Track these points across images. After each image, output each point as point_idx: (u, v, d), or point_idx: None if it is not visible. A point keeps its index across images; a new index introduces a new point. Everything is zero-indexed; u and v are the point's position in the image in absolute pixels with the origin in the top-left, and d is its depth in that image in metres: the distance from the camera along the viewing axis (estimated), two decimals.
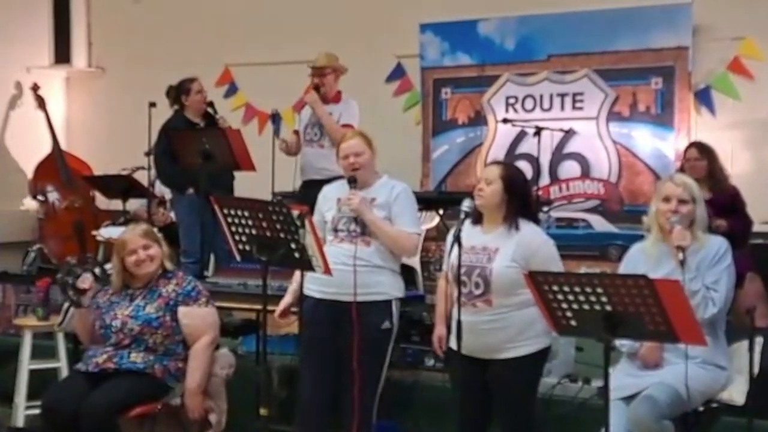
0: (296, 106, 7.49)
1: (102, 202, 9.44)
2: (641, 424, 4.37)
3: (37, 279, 7.34)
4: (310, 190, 6.42)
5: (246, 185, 7.56)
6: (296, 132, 7.49)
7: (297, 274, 5.17)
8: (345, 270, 4.94)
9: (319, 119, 7.20)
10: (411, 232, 5.21)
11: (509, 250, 4.58)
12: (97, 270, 5.35)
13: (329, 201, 5.23)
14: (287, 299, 5.29)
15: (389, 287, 5.18)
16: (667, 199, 4.64)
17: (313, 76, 7.39)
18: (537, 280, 3.94)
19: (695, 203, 4.64)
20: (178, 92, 7.69)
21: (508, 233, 4.63)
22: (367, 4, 9.09)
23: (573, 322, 3.93)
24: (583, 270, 6.99)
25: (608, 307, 3.80)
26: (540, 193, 7.80)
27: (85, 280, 5.28)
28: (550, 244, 4.69)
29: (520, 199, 4.68)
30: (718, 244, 4.63)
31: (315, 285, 5.04)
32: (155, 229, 5.67)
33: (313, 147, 7.28)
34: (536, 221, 4.81)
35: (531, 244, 4.60)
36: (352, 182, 5.13)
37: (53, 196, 9.66)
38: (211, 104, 7.75)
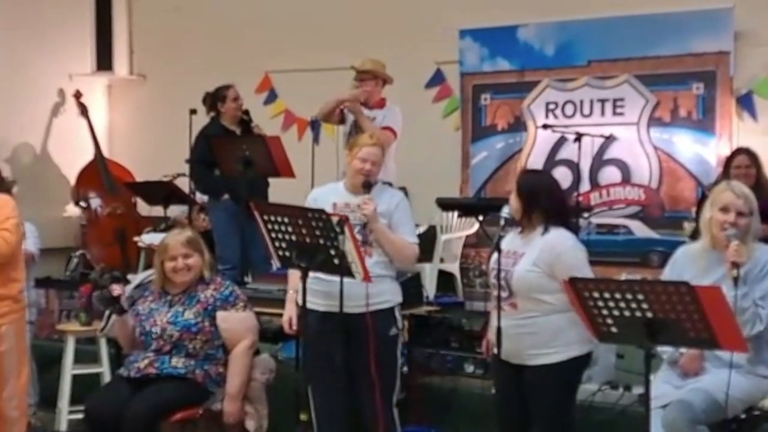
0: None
1: (143, 208, 9.50)
2: (674, 428, 4.33)
3: (79, 285, 7.40)
4: None
5: (285, 192, 7.60)
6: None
7: (294, 280, 5.14)
8: (350, 281, 4.78)
9: (359, 124, 7.16)
10: (412, 242, 5.19)
11: (533, 254, 4.57)
12: (116, 273, 5.40)
13: (325, 205, 5.03)
14: (293, 309, 5.18)
15: (392, 294, 5.16)
16: (725, 210, 4.54)
17: (358, 80, 7.37)
18: (577, 286, 3.92)
19: (752, 216, 4.57)
20: (214, 99, 7.75)
21: (536, 239, 4.61)
22: (407, 10, 9.09)
23: (614, 329, 3.90)
24: (623, 276, 6.94)
25: (649, 314, 3.77)
26: (580, 199, 7.77)
27: (114, 288, 5.33)
28: (576, 249, 4.63)
29: (547, 205, 4.64)
30: (766, 255, 4.56)
31: (319, 298, 4.94)
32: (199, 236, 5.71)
33: None
34: (568, 226, 4.76)
35: (554, 249, 4.56)
36: (367, 188, 5.08)
37: (95, 202, 9.74)
38: (246, 112, 7.79)
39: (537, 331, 4.55)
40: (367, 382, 5.04)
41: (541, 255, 4.54)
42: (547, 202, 4.65)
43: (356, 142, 5.25)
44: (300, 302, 4.98)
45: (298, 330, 5.16)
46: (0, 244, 5.48)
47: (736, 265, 4.34)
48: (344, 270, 4.68)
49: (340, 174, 7.00)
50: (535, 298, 4.53)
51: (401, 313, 5.25)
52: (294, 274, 5.11)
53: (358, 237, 4.96)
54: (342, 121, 7.16)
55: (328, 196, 5.17)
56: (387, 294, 5.10)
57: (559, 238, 4.60)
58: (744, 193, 4.59)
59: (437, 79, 9.15)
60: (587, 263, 4.62)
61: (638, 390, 5.44)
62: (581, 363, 4.67)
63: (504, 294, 4.57)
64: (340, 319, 4.84)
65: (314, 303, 4.91)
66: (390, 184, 5.33)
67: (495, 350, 4.68)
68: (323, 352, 5.00)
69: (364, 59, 7.43)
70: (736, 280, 4.33)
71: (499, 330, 4.49)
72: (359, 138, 5.34)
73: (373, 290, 4.96)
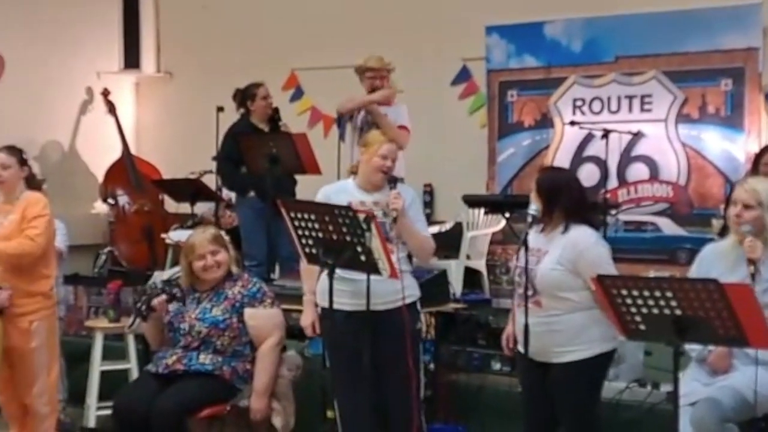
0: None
1: (170, 205, 9.55)
2: (703, 426, 4.31)
3: (107, 281, 7.44)
4: None
5: (311, 189, 7.60)
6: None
7: (309, 284, 5.15)
8: (378, 279, 4.75)
9: (376, 123, 7.15)
10: (430, 237, 5.23)
11: (556, 252, 4.56)
12: (177, 292, 5.40)
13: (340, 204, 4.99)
14: (314, 313, 5.17)
15: (413, 289, 5.15)
16: (734, 203, 4.58)
17: (373, 78, 7.38)
18: (605, 284, 3.91)
19: (762, 208, 4.53)
20: (244, 96, 7.77)
21: (559, 236, 4.61)
22: (433, 7, 9.08)
23: (642, 326, 3.89)
24: (651, 274, 6.91)
25: (678, 312, 3.75)
26: (608, 196, 7.73)
27: (160, 302, 5.34)
28: (599, 245, 4.63)
29: (567, 203, 4.62)
30: None
31: (344, 298, 4.92)
32: (223, 233, 5.73)
33: None
34: (590, 223, 4.74)
35: (577, 246, 4.55)
36: (393, 182, 5.09)
37: (123, 199, 9.79)
38: (276, 111, 7.81)
39: (561, 328, 4.54)
40: (403, 376, 5.01)
41: (564, 252, 4.54)
42: (567, 199, 4.63)
43: (372, 140, 5.19)
44: (321, 302, 5.03)
45: (321, 332, 5.16)
46: (26, 243, 5.54)
47: (752, 261, 4.34)
48: (371, 267, 4.68)
49: (343, 172, 7.10)
50: (559, 296, 4.53)
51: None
52: (310, 277, 5.11)
53: None
54: (351, 117, 7.19)
55: (341, 195, 5.10)
56: (410, 289, 5.09)
57: (581, 235, 4.59)
58: (752, 187, 4.56)
59: (463, 75, 9.13)
60: (611, 260, 4.62)
61: (666, 388, 5.42)
62: (605, 360, 4.67)
63: (529, 292, 4.55)
64: (368, 317, 4.80)
65: (339, 303, 4.89)
66: (402, 180, 5.31)
67: (519, 347, 4.67)
68: (350, 351, 4.96)
69: (368, 56, 7.44)
70: (753, 276, 4.32)
71: (526, 327, 4.47)
72: (374, 136, 5.28)
73: (396, 286, 4.92)
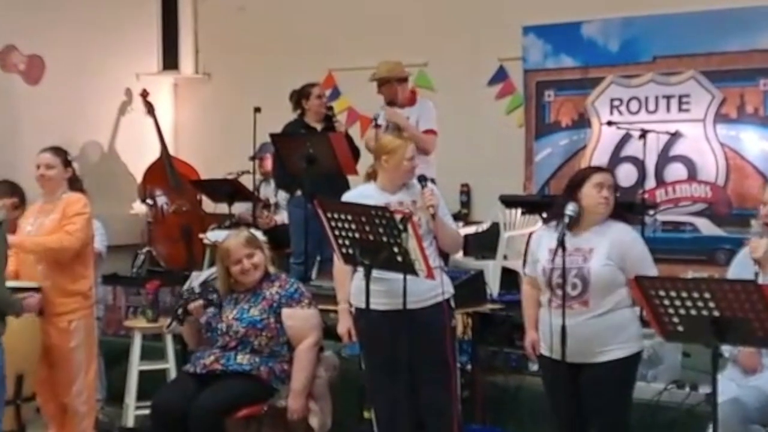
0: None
1: (208, 205, 9.60)
2: (727, 426, 4.27)
3: (146, 281, 7.49)
4: None
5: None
6: (377, 126, 7.34)
7: (342, 292, 5.17)
8: (413, 277, 4.77)
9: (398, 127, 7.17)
10: (458, 230, 5.29)
11: (604, 248, 4.55)
12: (214, 297, 5.44)
13: None
14: (349, 321, 5.18)
15: (446, 286, 5.15)
16: (763, 204, 4.59)
17: (380, 87, 7.39)
18: (644, 285, 3.90)
19: None
20: (299, 96, 7.82)
21: (599, 233, 4.60)
22: (469, 7, 9.06)
23: (680, 328, 3.88)
24: (690, 274, 6.87)
25: (716, 313, 3.74)
26: (646, 196, 7.70)
27: (197, 308, 5.38)
28: (641, 241, 4.71)
29: (617, 202, 4.69)
30: None
31: (378, 298, 4.91)
32: (259, 233, 5.75)
33: None
34: (625, 220, 4.75)
35: (624, 242, 4.58)
36: (424, 180, 5.10)
37: (162, 200, 9.84)
38: (330, 108, 7.86)
39: (606, 327, 4.53)
40: (442, 374, 5.03)
41: (612, 249, 4.54)
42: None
43: (395, 146, 5.15)
44: (356, 303, 5.06)
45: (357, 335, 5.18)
46: (65, 238, 5.59)
47: (756, 261, 4.33)
48: (408, 267, 4.69)
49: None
50: (610, 292, 4.52)
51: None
52: (342, 285, 5.15)
53: None
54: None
55: (363, 199, 5.08)
56: (442, 286, 5.07)
57: (625, 230, 4.64)
58: None
59: (500, 75, 9.11)
60: (651, 256, 4.65)
61: (705, 389, 5.39)
62: (639, 359, 4.68)
63: (574, 292, 4.54)
64: (404, 316, 4.82)
65: (374, 303, 4.89)
66: (433, 180, 5.32)
67: (544, 351, 4.65)
68: (386, 351, 4.99)
69: (379, 65, 7.43)
70: (756, 275, 4.32)
71: (563, 329, 4.44)
72: (394, 142, 5.23)
73: (429, 284, 4.92)
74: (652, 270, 4.52)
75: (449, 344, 5.03)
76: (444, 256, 5.37)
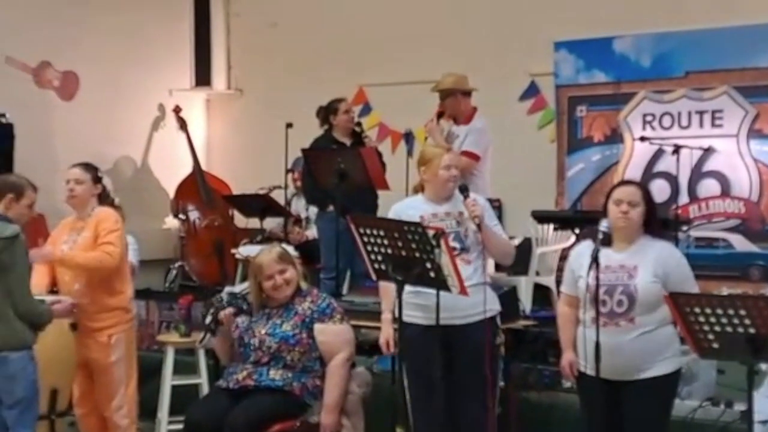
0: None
1: (240, 220, 9.63)
2: None
3: (179, 296, 7.52)
4: None
5: (380, 204, 7.65)
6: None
7: (387, 302, 5.16)
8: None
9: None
10: (508, 239, 5.26)
11: (649, 265, 4.53)
12: (244, 305, 5.46)
13: (412, 219, 4.99)
14: (390, 331, 5.16)
15: (492, 303, 5.14)
16: None
17: (443, 99, 7.39)
18: (679, 302, 3.88)
19: None
20: (327, 112, 7.84)
21: (643, 250, 4.59)
22: (501, 22, 9.07)
23: (715, 345, 3.85)
24: (724, 291, 6.82)
25: (751, 330, 3.71)
26: (679, 212, 7.66)
27: (227, 316, 5.40)
28: (685, 260, 4.67)
29: (656, 217, 4.68)
30: None
31: (420, 312, 4.92)
32: (291, 248, 5.76)
33: None
34: (664, 237, 4.75)
35: (669, 259, 4.58)
36: (465, 190, 5.10)
37: (194, 215, 9.89)
38: (359, 124, 7.89)
39: (652, 344, 4.51)
40: (481, 392, 5.01)
41: (657, 266, 4.52)
42: (656, 213, 4.69)
43: (431, 156, 5.17)
44: (395, 318, 5.04)
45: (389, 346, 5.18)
46: (104, 258, 5.62)
47: None
48: (440, 283, 4.68)
49: (411, 187, 7.12)
50: (656, 310, 4.48)
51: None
52: (387, 295, 5.12)
53: (456, 244, 4.98)
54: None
55: (411, 210, 5.13)
56: (490, 302, 5.07)
57: (669, 247, 4.66)
58: None
59: (531, 91, 9.11)
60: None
61: (740, 406, 5.34)
62: (679, 376, 4.67)
63: (620, 309, 4.52)
64: (443, 331, 4.82)
65: (414, 317, 4.93)
66: (489, 200, 5.34)
67: (583, 369, 4.63)
68: (425, 365, 4.95)
69: (443, 76, 7.43)
70: None
71: (597, 346, 4.41)
72: (430, 151, 5.26)
73: (474, 300, 4.92)
74: (694, 290, 4.48)
75: (488, 362, 4.99)
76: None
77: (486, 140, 7.24)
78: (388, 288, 5.06)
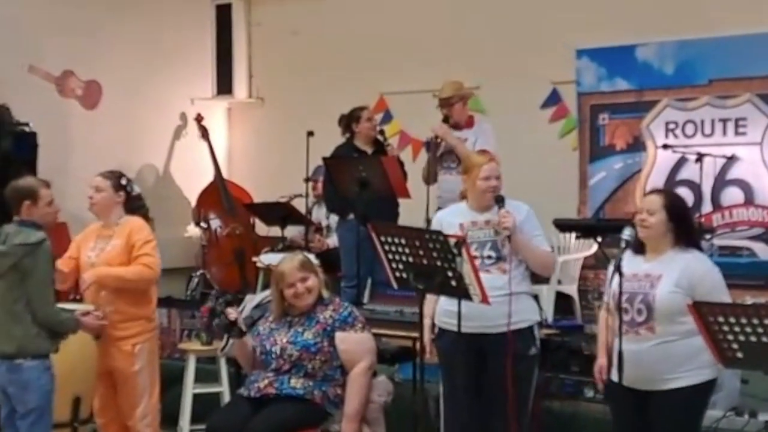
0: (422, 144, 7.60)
1: (261, 229, 9.64)
2: None
3: (200, 304, 7.50)
4: None
5: (401, 212, 7.65)
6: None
7: (429, 307, 5.16)
8: (491, 300, 4.79)
9: (456, 153, 7.24)
10: (550, 251, 5.25)
11: (673, 275, 4.50)
12: (228, 297, 5.49)
13: (451, 227, 5.09)
14: (428, 336, 5.19)
15: (530, 313, 5.14)
16: None
17: (440, 107, 7.46)
18: (702, 311, 3.85)
19: None
20: (349, 120, 7.86)
21: (672, 260, 4.56)
22: (522, 30, 9.05)
23: (739, 354, 3.82)
24: (748, 300, 6.76)
25: None
26: (702, 220, 7.61)
27: (230, 313, 5.41)
28: (715, 271, 4.61)
29: (684, 226, 4.63)
30: None
31: (455, 319, 4.89)
32: (312, 257, 5.76)
33: (453, 174, 7.35)
34: (699, 248, 4.70)
35: (696, 270, 4.52)
36: (501, 202, 5.10)
37: (215, 223, 9.91)
38: (381, 132, 7.90)
39: (673, 354, 4.48)
40: (502, 402, 5.00)
41: (682, 276, 4.49)
42: (688, 222, 4.67)
43: (472, 164, 5.24)
44: (438, 323, 5.10)
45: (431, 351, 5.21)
46: (144, 271, 5.65)
47: None
48: (462, 292, 4.67)
49: (432, 195, 7.27)
50: (677, 320, 4.44)
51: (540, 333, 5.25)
52: (429, 300, 5.13)
53: (492, 253, 5.00)
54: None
55: (453, 217, 5.20)
56: (525, 313, 5.09)
57: (698, 258, 4.59)
58: None
59: (553, 99, 9.08)
60: (725, 286, 4.57)
61: (764, 416, 5.32)
62: (711, 387, 4.60)
63: (640, 317, 4.50)
64: (471, 338, 4.88)
65: (449, 324, 4.95)
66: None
67: (613, 377, 4.60)
68: (457, 372, 5.03)
69: (444, 84, 7.51)
70: None
71: (620, 355, 4.40)
72: (473, 158, 5.33)
73: (513, 308, 4.95)
74: (723, 300, 4.43)
75: (512, 372, 4.97)
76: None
77: (494, 140, 7.34)
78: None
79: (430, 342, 5.19)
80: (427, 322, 5.19)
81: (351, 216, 7.60)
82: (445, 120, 7.44)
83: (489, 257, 5.01)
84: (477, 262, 4.94)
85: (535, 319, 5.16)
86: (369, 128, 7.82)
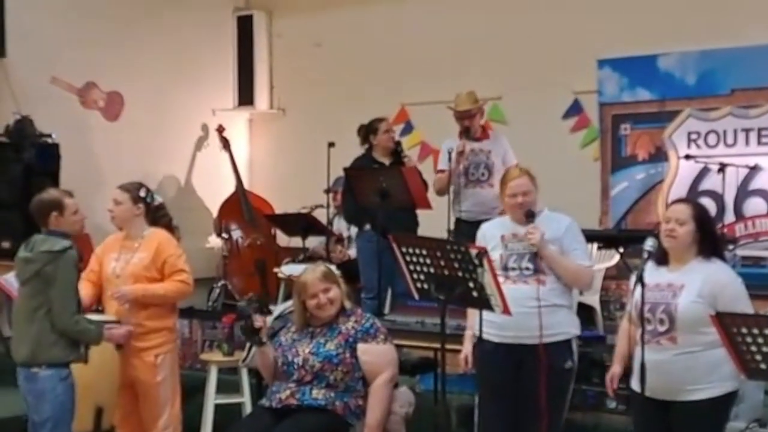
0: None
1: (282, 239, 9.66)
2: None
3: (222, 315, 7.53)
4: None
5: (423, 223, 7.64)
6: (441, 171, 7.58)
7: (471, 319, 5.16)
8: (524, 312, 4.87)
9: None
10: (587, 265, 5.20)
11: (696, 286, 4.48)
12: (260, 303, 5.51)
13: (493, 239, 5.14)
14: (469, 347, 5.22)
15: (568, 326, 5.12)
16: None
17: (462, 119, 7.47)
18: (724, 322, 3.83)
19: None
20: (367, 131, 7.86)
21: (695, 270, 4.54)
22: (544, 40, 9.05)
23: (763, 365, 3.80)
24: None
25: None
26: (725, 231, 7.58)
27: (257, 320, 5.42)
28: (738, 281, 4.57)
29: (710, 237, 4.61)
30: None
31: (493, 329, 4.97)
32: (333, 267, 5.76)
33: (483, 188, 7.35)
34: (722, 258, 4.68)
35: (719, 281, 4.50)
36: (530, 217, 5.09)
37: (237, 233, 9.93)
38: (399, 144, 7.90)
39: (695, 365, 4.45)
40: (535, 414, 4.99)
41: (705, 287, 4.46)
42: (713, 233, 4.65)
43: (504, 179, 5.27)
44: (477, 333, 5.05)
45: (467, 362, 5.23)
46: (181, 287, 5.72)
47: None
48: (483, 303, 4.66)
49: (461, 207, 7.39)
50: (699, 330, 4.41)
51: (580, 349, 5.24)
52: (472, 312, 5.13)
53: (530, 265, 5.01)
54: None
55: (495, 230, 5.22)
56: (562, 325, 5.07)
57: (722, 269, 4.57)
58: None
59: (575, 109, 9.07)
60: (748, 296, 4.53)
61: None
62: (733, 398, 4.57)
63: (662, 327, 4.48)
64: (508, 349, 4.92)
65: (488, 334, 4.98)
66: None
67: (636, 387, 4.58)
68: (496, 382, 5.06)
69: (458, 97, 7.54)
70: None
71: (643, 366, 4.38)
72: (506, 174, 5.35)
73: (547, 321, 4.95)
74: (746, 311, 4.40)
75: (544, 385, 4.96)
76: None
77: (512, 151, 7.46)
78: None
79: (470, 354, 5.20)
80: (468, 333, 5.22)
81: (367, 226, 7.60)
82: (466, 131, 7.44)
83: (527, 269, 5.03)
84: (516, 273, 5.01)
85: (573, 333, 5.14)
86: (387, 140, 7.83)
